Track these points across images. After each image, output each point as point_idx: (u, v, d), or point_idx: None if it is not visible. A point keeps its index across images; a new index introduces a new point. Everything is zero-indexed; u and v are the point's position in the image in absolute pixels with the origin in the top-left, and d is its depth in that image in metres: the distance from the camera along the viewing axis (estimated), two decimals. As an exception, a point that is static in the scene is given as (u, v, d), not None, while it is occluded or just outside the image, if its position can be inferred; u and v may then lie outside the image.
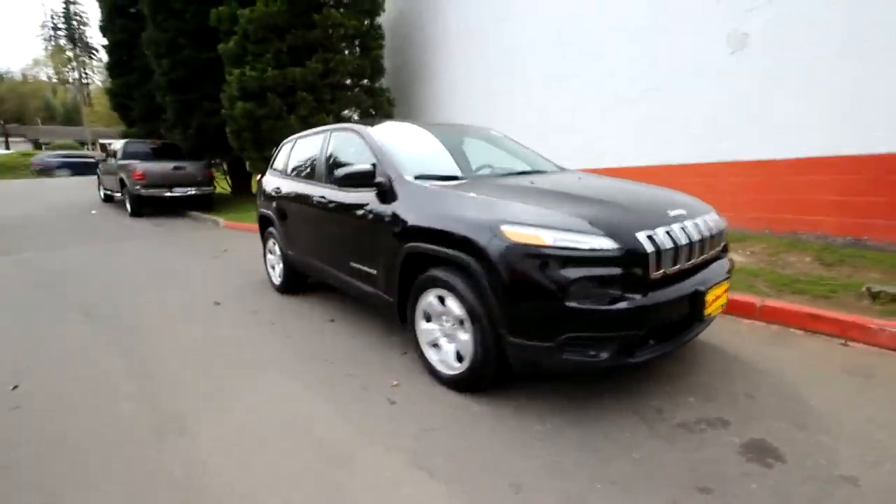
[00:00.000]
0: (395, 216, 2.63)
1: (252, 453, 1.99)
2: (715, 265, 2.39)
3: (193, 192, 11.11)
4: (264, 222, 4.64)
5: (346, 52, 10.37)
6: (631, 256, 1.94)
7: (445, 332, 2.46)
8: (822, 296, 3.43)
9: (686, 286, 2.10)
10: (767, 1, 4.76)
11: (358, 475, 1.83)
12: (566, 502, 1.63)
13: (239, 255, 6.80)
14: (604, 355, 1.96)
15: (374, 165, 2.84)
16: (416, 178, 2.70)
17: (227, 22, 10.08)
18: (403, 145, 3.06)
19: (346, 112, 10.77)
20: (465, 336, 2.30)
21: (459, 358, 2.39)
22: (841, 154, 4.32)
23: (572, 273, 1.92)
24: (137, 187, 10.40)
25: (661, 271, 2.02)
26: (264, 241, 4.67)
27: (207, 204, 11.92)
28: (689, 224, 2.21)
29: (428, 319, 2.55)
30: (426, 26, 10.97)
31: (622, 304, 1.91)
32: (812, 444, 1.90)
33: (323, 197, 3.37)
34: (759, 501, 1.61)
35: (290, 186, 3.97)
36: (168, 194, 10.76)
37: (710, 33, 5.26)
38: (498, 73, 8.81)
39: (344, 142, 3.44)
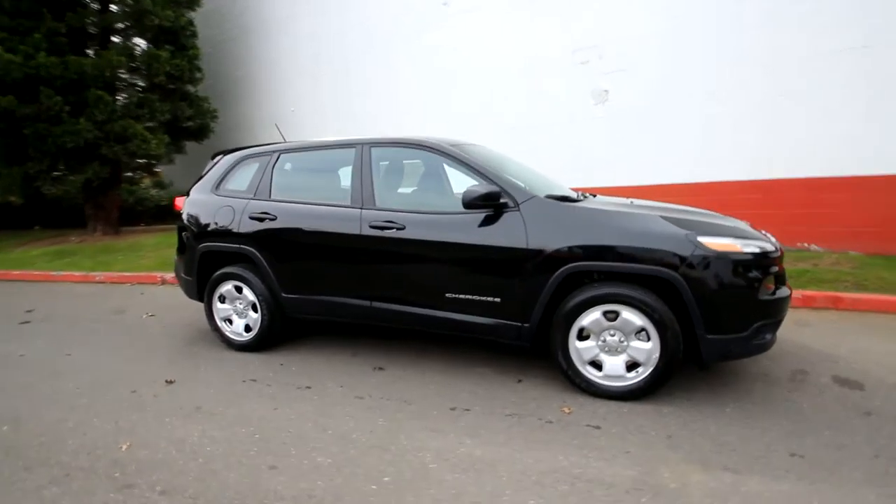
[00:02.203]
0: (539, 238, 2.54)
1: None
2: None
3: None
4: (212, 261, 3.48)
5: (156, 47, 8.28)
6: (780, 255, 2.51)
7: (609, 347, 2.52)
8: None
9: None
10: (620, 69, 6.37)
11: (695, 496, 1.79)
12: (836, 450, 2.03)
13: (64, 313, 4.80)
14: (769, 337, 2.46)
15: (494, 186, 2.65)
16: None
17: (-49, -24, 6.73)
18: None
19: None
20: (645, 345, 2.43)
21: (629, 368, 2.51)
22: (684, 182, 6.14)
23: (759, 272, 2.35)
24: None
25: (779, 266, 2.68)
26: (210, 287, 3.48)
27: None
28: None
29: (582, 338, 2.56)
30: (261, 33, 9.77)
31: (784, 293, 2.46)
32: (857, 370, 2.81)
33: (390, 222, 2.86)
34: (891, 408, 2.36)
35: (297, 213, 3.15)
36: None
37: (579, 88, 6.64)
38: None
39: (404, 159, 3.03)
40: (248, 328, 3.43)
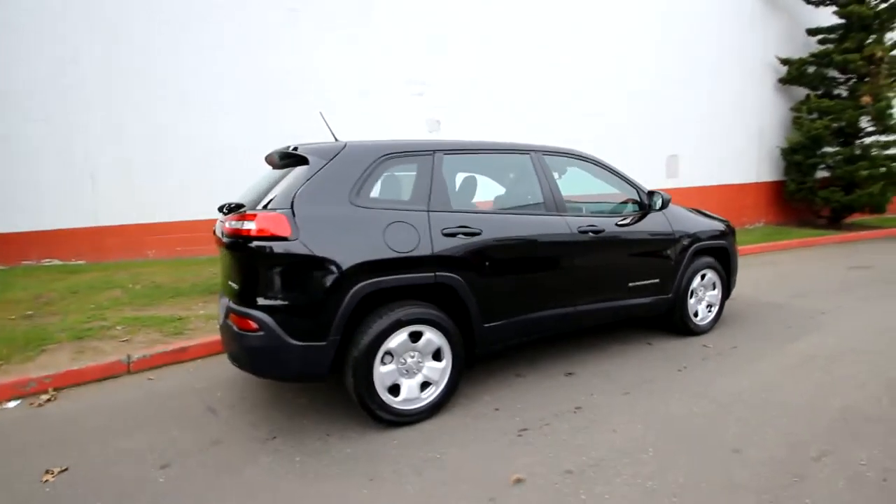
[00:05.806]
0: (679, 229, 3.53)
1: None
2: None
3: None
4: (365, 306, 2.33)
5: None
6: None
7: (700, 298, 3.80)
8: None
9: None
10: (450, 103, 7.53)
11: (848, 357, 3.32)
12: (821, 315, 4.09)
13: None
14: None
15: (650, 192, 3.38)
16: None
17: None
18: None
19: None
20: (713, 292, 3.87)
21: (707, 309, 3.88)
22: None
23: (731, 237, 4.24)
24: None
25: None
26: (371, 346, 2.32)
27: None
28: None
29: (691, 296, 3.72)
30: None
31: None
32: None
33: (591, 225, 3.02)
34: (777, 301, 4.76)
35: (504, 224, 2.72)
36: None
37: (415, 118, 7.34)
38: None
39: (568, 166, 3.22)
40: (424, 386, 2.53)
